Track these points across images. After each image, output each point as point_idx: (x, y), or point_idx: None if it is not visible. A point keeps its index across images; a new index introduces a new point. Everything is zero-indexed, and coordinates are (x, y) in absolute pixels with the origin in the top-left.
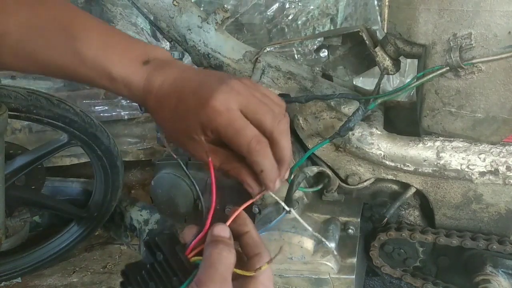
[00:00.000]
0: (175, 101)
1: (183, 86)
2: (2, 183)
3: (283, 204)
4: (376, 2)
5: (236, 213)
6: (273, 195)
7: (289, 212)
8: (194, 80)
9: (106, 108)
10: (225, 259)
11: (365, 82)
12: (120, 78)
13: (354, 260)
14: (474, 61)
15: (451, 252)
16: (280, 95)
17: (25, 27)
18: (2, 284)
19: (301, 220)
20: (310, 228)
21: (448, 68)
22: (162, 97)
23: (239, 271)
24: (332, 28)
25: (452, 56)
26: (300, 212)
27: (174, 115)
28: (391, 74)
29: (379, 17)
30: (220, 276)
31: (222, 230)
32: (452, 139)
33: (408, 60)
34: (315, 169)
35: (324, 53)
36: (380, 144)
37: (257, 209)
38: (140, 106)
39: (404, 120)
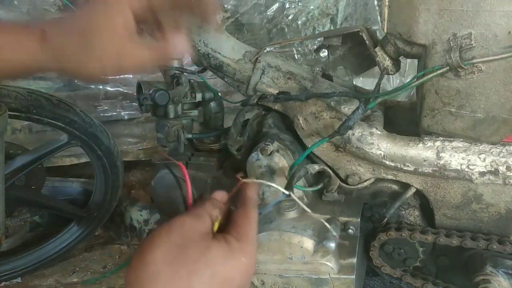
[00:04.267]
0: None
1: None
2: (2, 183)
3: (282, 189)
4: (376, 2)
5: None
6: (273, 184)
7: (289, 195)
8: None
9: (106, 108)
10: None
11: (365, 82)
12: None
13: (354, 260)
14: (474, 61)
15: (451, 252)
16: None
17: None
18: (2, 284)
19: (300, 202)
20: (309, 210)
21: (448, 68)
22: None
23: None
24: (332, 28)
25: (452, 56)
26: (300, 211)
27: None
28: (391, 74)
29: (379, 17)
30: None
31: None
32: (452, 139)
33: (408, 60)
34: (316, 166)
35: (324, 53)
36: (380, 144)
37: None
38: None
39: (404, 120)
